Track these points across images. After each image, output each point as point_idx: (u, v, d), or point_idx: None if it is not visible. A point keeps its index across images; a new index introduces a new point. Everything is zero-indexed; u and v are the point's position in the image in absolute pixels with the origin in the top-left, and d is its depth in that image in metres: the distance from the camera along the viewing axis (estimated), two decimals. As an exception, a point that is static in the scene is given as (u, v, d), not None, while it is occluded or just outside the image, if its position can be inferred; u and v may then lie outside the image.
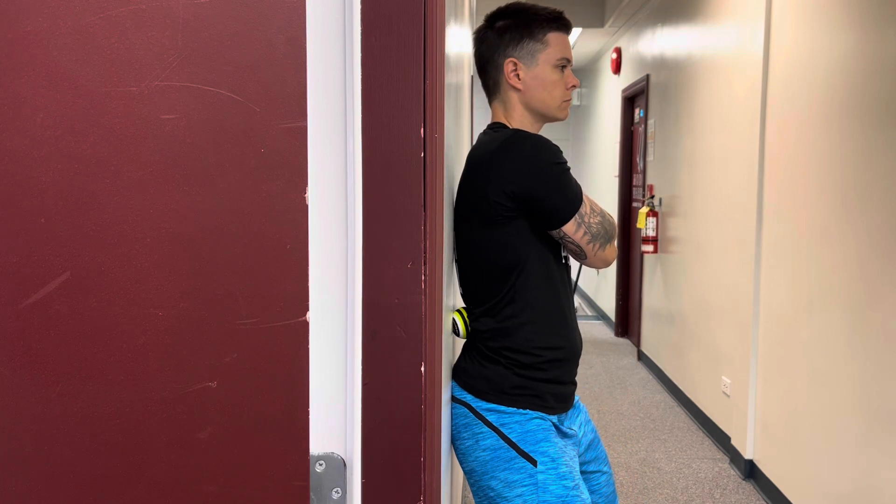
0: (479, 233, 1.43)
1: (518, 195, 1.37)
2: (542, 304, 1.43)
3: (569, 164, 1.43)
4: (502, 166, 1.38)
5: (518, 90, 1.48)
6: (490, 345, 1.44)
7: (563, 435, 1.45)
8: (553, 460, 1.38)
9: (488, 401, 1.42)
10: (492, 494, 1.40)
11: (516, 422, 1.39)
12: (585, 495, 1.41)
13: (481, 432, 1.41)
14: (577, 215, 1.40)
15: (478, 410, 1.42)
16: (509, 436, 1.39)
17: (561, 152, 1.43)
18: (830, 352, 2.58)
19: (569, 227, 1.40)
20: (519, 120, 1.50)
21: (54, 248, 0.64)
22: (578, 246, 1.43)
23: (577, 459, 1.46)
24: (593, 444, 1.57)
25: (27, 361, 0.64)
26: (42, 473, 0.65)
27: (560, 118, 1.52)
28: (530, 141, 1.40)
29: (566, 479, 1.38)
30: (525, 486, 1.37)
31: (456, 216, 1.47)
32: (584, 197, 1.42)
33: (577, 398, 1.58)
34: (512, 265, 1.42)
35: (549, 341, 1.43)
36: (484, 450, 1.40)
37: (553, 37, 1.46)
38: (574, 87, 1.50)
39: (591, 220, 1.42)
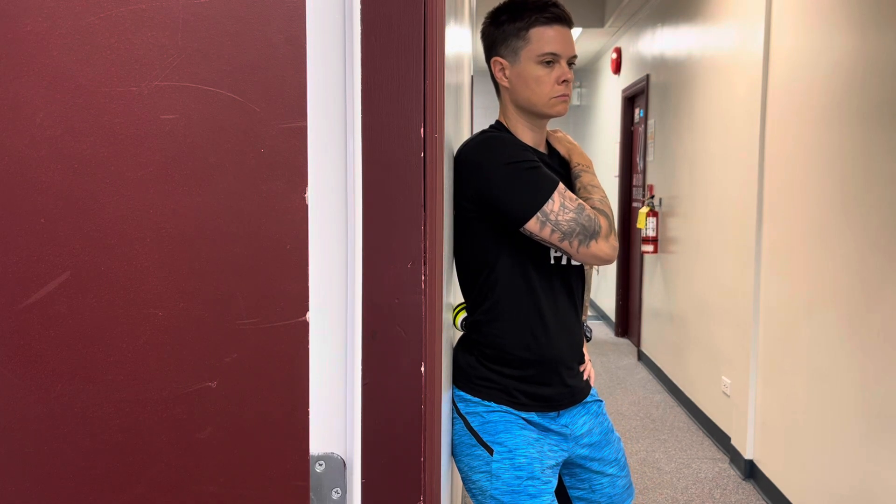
0: (457, 231, 1.47)
1: (475, 198, 1.39)
2: (512, 305, 1.45)
3: (535, 163, 1.38)
4: (463, 169, 1.40)
5: (507, 88, 1.47)
6: (469, 336, 1.52)
7: (545, 429, 1.48)
8: (510, 451, 1.43)
9: (458, 388, 1.49)
10: (462, 476, 1.49)
11: (479, 412, 1.46)
12: (543, 487, 1.43)
13: (454, 418, 1.49)
14: (539, 213, 1.34)
15: (453, 397, 1.49)
16: (472, 424, 1.45)
17: (524, 149, 1.39)
18: (830, 352, 2.58)
19: (532, 226, 1.35)
20: (513, 118, 1.50)
21: (54, 248, 0.64)
22: (551, 244, 1.38)
23: (554, 453, 1.49)
24: (600, 445, 1.58)
25: (27, 361, 0.64)
26: (42, 473, 0.65)
27: (552, 114, 1.45)
28: (487, 143, 1.40)
29: (520, 470, 1.42)
30: (482, 472, 1.43)
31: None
32: (555, 193, 1.35)
33: (591, 398, 1.60)
34: (482, 264, 1.46)
35: (519, 341, 1.46)
36: (454, 434, 1.49)
37: (536, 31, 1.40)
38: (565, 81, 1.42)
39: (561, 217, 1.35)
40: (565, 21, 1.43)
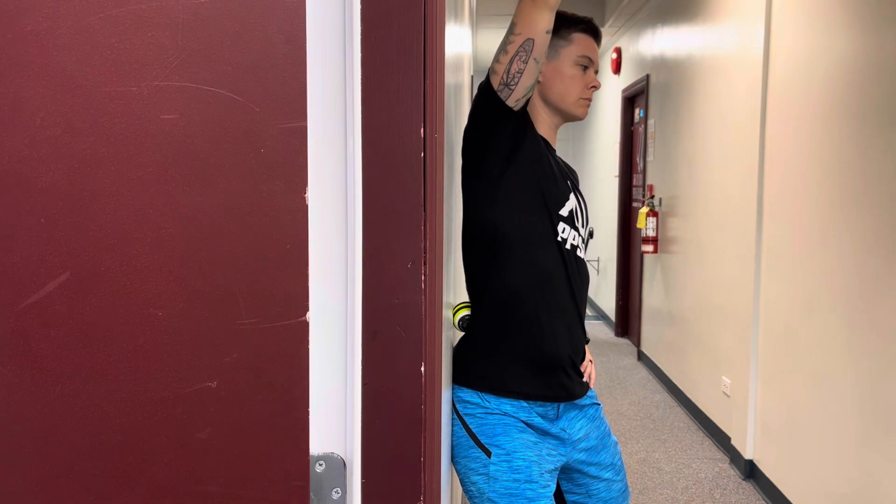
0: (465, 222, 1.52)
1: (469, 147, 1.45)
2: (515, 301, 1.47)
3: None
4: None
5: (539, 82, 1.52)
6: (470, 333, 1.53)
7: (543, 433, 1.49)
8: (508, 454, 1.43)
9: (458, 384, 1.50)
10: (459, 477, 1.50)
11: (477, 414, 1.47)
12: (541, 491, 1.44)
13: (453, 419, 1.50)
14: (491, 73, 1.37)
15: (452, 398, 1.50)
16: (470, 426, 1.47)
17: None
18: (830, 352, 2.58)
19: (494, 79, 1.36)
20: (537, 112, 1.55)
21: (54, 248, 0.64)
22: (510, 57, 1.33)
23: (552, 458, 1.49)
24: (596, 449, 1.58)
25: (27, 361, 0.64)
26: (42, 473, 0.65)
27: (577, 115, 1.54)
28: None
29: (518, 473, 1.42)
30: (479, 474, 1.45)
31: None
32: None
33: (589, 401, 1.61)
34: (487, 257, 1.48)
35: (521, 338, 1.47)
36: (454, 436, 1.50)
37: (578, 36, 1.51)
38: (594, 88, 1.53)
39: (508, 60, 1.34)
40: (598, 39, 1.57)
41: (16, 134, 0.63)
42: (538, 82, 1.52)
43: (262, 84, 0.65)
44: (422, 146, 0.67)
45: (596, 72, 1.57)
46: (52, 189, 0.63)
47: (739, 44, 3.48)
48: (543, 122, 1.55)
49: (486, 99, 1.39)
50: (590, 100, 1.55)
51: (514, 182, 1.44)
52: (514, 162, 1.43)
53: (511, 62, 1.33)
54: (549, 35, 1.33)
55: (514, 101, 1.37)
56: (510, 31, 1.34)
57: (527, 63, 1.33)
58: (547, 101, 1.54)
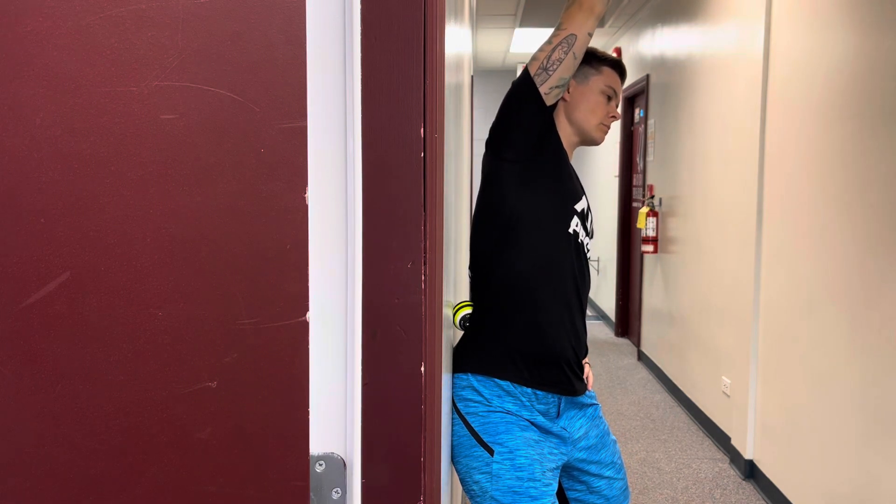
0: (477, 213, 1.58)
1: (494, 140, 1.55)
2: (520, 298, 1.50)
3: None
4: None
5: (565, 101, 1.62)
6: (473, 329, 1.56)
7: (545, 431, 1.50)
8: (511, 452, 1.45)
9: (459, 371, 1.51)
10: (460, 477, 1.51)
11: (480, 412, 1.48)
12: (544, 489, 1.45)
13: (454, 418, 1.51)
14: (531, 61, 1.48)
15: (453, 397, 1.51)
16: (472, 424, 1.48)
17: None
18: (830, 352, 2.58)
19: (533, 66, 1.47)
20: (561, 127, 1.63)
21: (54, 248, 0.64)
22: (553, 48, 1.46)
23: (554, 456, 1.51)
24: (596, 448, 1.60)
25: (27, 361, 0.64)
26: (42, 473, 0.65)
27: (595, 138, 1.63)
28: None
29: (521, 471, 1.44)
30: (482, 473, 1.46)
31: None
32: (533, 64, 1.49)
33: (588, 401, 1.62)
34: (494, 249, 1.52)
35: (525, 335, 1.49)
36: (453, 435, 1.51)
37: (608, 70, 1.63)
38: (614, 118, 1.64)
39: (551, 49, 1.46)
40: (624, 77, 1.69)
41: (16, 134, 0.63)
42: (566, 101, 1.62)
43: (262, 84, 0.65)
44: (422, 146, 0.67)
45: (617, 105, 1.67)
46: (52, 189, 0.63)
47: (739, 44, 3.48)
48: (564, 139, 1.63)
49: (522, 84, 1.49)
50: (609, 127, 1.65)
51: (536, 170, 1.51)
52: (536, 154, 1.51)
53: (553, 51, 1.46)
54: (590, 38, 1.47)
55: (547, 87, 1.46)
56: (556, 29, 1.48)
57: (566, 54, 1.46)
58: (571, 120, 1.62)
